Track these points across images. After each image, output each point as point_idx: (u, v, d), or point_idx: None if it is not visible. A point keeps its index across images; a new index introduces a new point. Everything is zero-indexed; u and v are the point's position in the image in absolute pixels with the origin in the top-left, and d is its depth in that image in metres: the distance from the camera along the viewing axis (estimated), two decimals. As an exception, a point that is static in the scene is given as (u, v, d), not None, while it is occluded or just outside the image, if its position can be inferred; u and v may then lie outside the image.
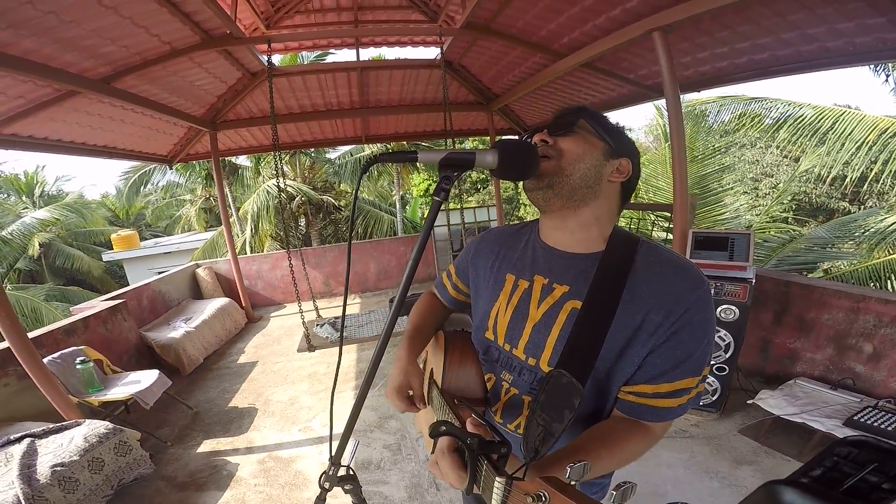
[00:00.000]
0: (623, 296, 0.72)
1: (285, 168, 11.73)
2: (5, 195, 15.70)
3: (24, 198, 15.48)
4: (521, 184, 0.80)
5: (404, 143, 8.20)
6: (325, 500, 0.88)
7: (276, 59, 7.10)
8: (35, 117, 3.28)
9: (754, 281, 2.56)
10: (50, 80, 2.83)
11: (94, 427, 2.52)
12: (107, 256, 12.60)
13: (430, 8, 4.28)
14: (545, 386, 0.63)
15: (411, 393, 0.87)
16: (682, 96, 5.70)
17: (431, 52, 4.37)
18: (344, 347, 4.69)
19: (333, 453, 0.85)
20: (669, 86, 2.82)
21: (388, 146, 8.30)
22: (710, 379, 2.70)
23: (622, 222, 5.40)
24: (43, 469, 2.18)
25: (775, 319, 3.04)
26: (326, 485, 0.86)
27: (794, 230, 7.24)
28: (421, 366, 1.11)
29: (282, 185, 5.34)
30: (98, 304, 4.12)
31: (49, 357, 2.93)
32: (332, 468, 0.85)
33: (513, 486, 0.49)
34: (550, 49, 3.86)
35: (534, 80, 4.45)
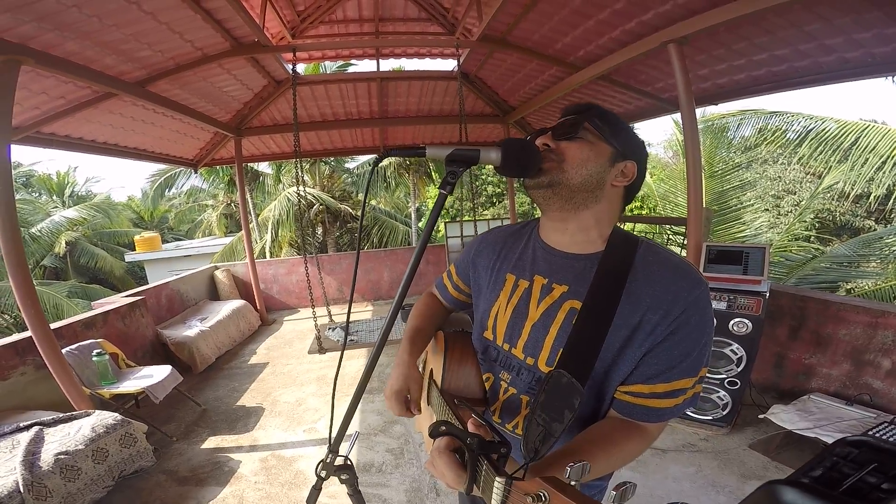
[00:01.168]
0: (622, 296, 0.72)
1: (305, 176, 11.99)
2: (38, 194, 16.36)
3: (54, 197, 16.12)
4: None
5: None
6: (320, 488, 0.89)
7: (300, 68, 7.36)
8: (73, 117, 3.47)
9: (768, 295, 2.53)
10: (90, 82, 3.00)
11: (103, 418, 2.55)
12: (129, 257, 13.01)
13: (448, 20, 4.40)
14: (545, 386, 0.64)
15: (409, 397, 0.89)
16: (699, 109, 5.70)
17: (449, 64, 4.48)
18: (353, 351, 4.73)
19: (332, 441, 0.86)
20: (684, 98, 2.83)
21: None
22: (721, 393, 2.65)
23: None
24: (47, 457, 2.21)
25: (791, 335, 2.97)
26: (323, 473, 0.87)
27: (816, 248, 7.07)
28: (421, 366, 1.12)
29: (301, 193, 5.45)
30: (118, 300, 4.23)
31: (67, 348, 3.01)
32: (330, 456, 0.86)
33: (513, 486, 0.49)
34: (566, 62, 3.92)
35: (550, 92, 4.51)
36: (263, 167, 12.64)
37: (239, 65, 3.99)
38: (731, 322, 2.58)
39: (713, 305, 2.51)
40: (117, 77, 3.21)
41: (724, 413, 2.67)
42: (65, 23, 2.42)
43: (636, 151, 0.81)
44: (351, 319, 5.91)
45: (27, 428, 2.42)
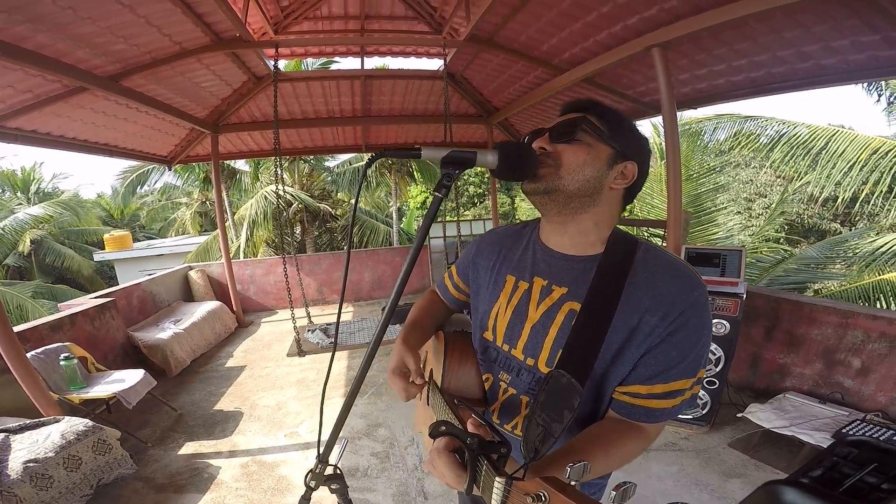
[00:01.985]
0: (621, 297, 0.72)
1: (284, 174, 11.75)
2: (1, 191, 15.56)
3: (18, 194, 15.35)
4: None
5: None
6: (309, 499, 0.87)
7: (282, 64, 7.21)
8: (41, 112, 3.30)
9: (745, 296, 2.60)
10: (60, 76, 2.86)
11: (73, 424, 2.46)
12: (98, 256, 12.49)
13: (434, 20, 4.38)
14: (545, 386, 0.64)
15: (413, 381, 0.86)
16: (678, 113, 5.83)
17: (435, 64, 4.46)
18: (336, 353, 4.67)
19: (321, 451, 0.84)
20: (667, 102, 2.89)
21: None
22: (701, 392, 2.72)
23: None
24: (15, 465, 2.12)
25: (766, 335, 3.08)
26: (312, 483, 0.84)
27: (785, 250, 7.35)
28: (421, 364, 1.13)
29: (279, 192, 5.33)
30: (87, 302, 4.06)
31: (32, 352, 2.87)
32: (320, 466, 0.84)
33: (512, 486, 0.49)
34: (551, 64, 3.95)
35: (534, 94, 4.54)
36: (241, 164, 12.34)
37: (218, 60, 3.88)
38: (710, 323, 2.65)
39: None
40: (89, 71, 3.07)
41: (704, 412, 2.74)
42: (37, 14, 2.30)
43: (637, 151, 0.79)
44: (331, 321, 5.82)
45: None
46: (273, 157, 5.04)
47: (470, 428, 0.60)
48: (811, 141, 5.35)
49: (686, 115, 6.63)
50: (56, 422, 2.47)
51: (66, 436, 2.35)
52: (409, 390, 0.85)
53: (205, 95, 4.54)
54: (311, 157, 11.79)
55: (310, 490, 0.85)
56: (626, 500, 0.48)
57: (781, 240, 9.34)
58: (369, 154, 8.23)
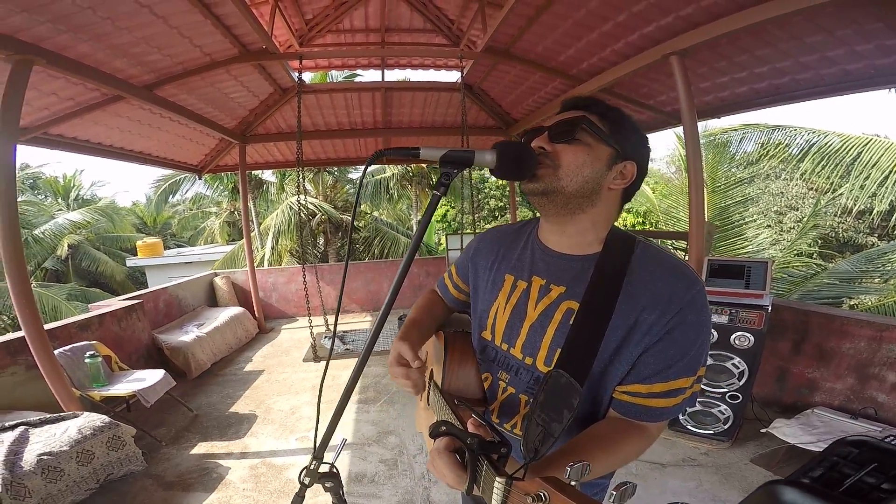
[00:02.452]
0: (619, 296, 0.72)
1: (308, 186, 12.05)
2: (43, 196, 16.48)
3: (59, 199, 16.23)
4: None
5: (424, 165, 8.39)
6: (303, 496, 0.86)
7: (308, 76, 7.46)
8: (81, 119, 3.52)
9: (770, 309, 2.50)
10: (100, 84, 3.04)
11: (91, 420, 2.51)
12: (130, 262, 13.03)
13: (452, 32, 4.47)
14: (544, 386, 0.63)
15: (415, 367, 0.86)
16: (701, 123, 5.73)
17: (453, 76, 4.55)
18: (349, 361, 4.67)
19: (316, 448, 0.84)
20: (686, 110, 2.86)
21: (409, 167, 8.49)
22: (723, 407, 2.62)
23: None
24: (29, 457, 2.17)
25: (794, 349, 2.95)
26: (306, 480, 0.84)
27: (818, 264, 7.03)
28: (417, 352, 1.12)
29: (302, 202, 5.47)
30: (115, 303, 4.23)
31: (60, 349, 2.98)
32: (315, 462, 0.84)
33: (513, 486, 0.49)
34: (569, 74, 3.96)
35: (552, 105, 4.56)
36: (267, 175, 12.73)
37: (246, 71, 4.04)
38: (733, 336, 2.56)
39: (714, 319, 2.52)
40: (126, 80, 3.25)
41: (726, 427, 2.64)
42: (79, 24, 2.45)
43: (637, 150, 0.79)
44: (348, 329, 5.88)
45: (12, 428, 2.38)
46: (299, 167, 5.20)
47: (470, 428, 0.60)
48: (844, 150, 5.15)
49: (711, 126, 6.50)
50: (75, 417, 2.55)
51: (82, 431, 2.40)
52: (411, 376, 0.84)
53: (233, 106, 4.73)
54: (335, 168, 12.06)
55: (304, 487, 0.85)
56: (626, 500, 0.47)
57: (815, 254, 8.96)
58: (390, 167, 8.37)
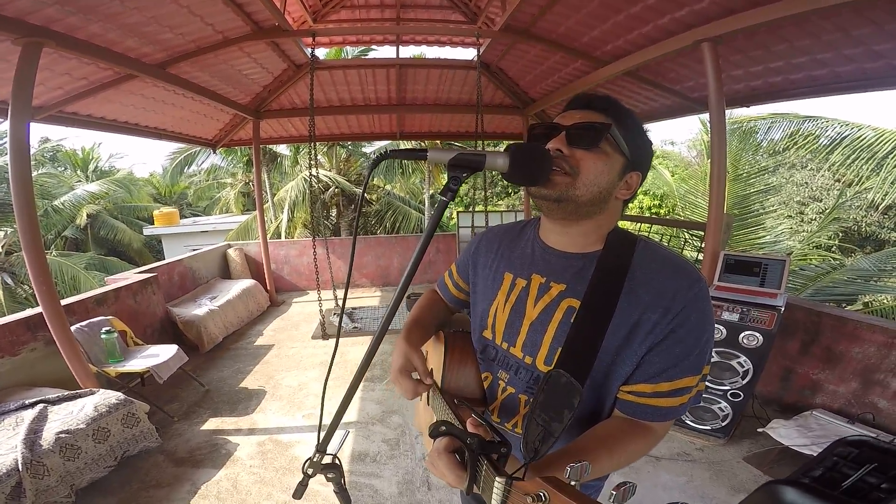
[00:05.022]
0: (621, 294, 0.71)
1: (322, 159, 12.01)
2: (63, 168, 16.73)
3: (78, 172, 16.47)
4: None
5: (437, 141, 8.25)
6: (307, 485, 0.89)
7: (322, 53, 7.29)
8: (94, 98, 3.50)
9: (783, 309, 2.44)
10: (112, 64, 3.01)
11: (106, 397, 2.56)
12: (147, 231, 13.31)
13: (470, 9, 4.28)
14: (544, 385, 0.63)
15: (416, 376, 0.86)
16: (729, 111, 5.48)
17: (470, 53, 4.38)
18: (357, 339, 4.73)
19: (320, 440, 0.86)
20: (715, 99, 2.73)
21: (422, 143, 8.37)
22: (723, 404, 2.62)
23: (649, 235, 5.25)
24: (48, 435, 2.20)
25: (802, 349, 2.91)
26: (310, 471, 0.87)
27: (836, 258, 6.84)
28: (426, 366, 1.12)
29: (317, 175, 5.45)
30: (131, 277, 4.28)
31: (77, 325, 3.04)
32: (317, 455, 0.86)
33: (513, 485, 0.49)
34: (592, 56, 3.79)
35: (573, 86, 4.39)
36: (282, 149, 12.68)
37: (259, 48, 3.96)
38: (742, 335, 2.52)
39: (725, 316, 2.47)
40: (139, 59, 3.21)
41: (724, 424, 2.65)
42: (88, 5, 2.41)
43: (645, 160, 0.79)
44: (357, 306, 5.94)
45: (32, 405, 2.44)
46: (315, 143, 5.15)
47: (469, 428, 0.60)
48: (877, 144, 4.90)
49: (737, 113, 6.23)
50: (91, 394, 2.60)
51: (98, 408, 2.45)
52: (417, 390, 0.84)
53: (247, 83, 4.66)
54: (349, 143, 11.95)
55: (307, 477, 0.88)
56: (626, 501, 0.47)
57: (834, 248, 8.71)
58: (404, 142, 8.27)
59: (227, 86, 4.47)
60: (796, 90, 3.30)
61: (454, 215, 8.97)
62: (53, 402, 2.51)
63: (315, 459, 0.87)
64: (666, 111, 4.70)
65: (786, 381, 2.99)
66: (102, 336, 3.07)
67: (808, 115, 5.51)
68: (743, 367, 2.53)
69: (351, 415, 3.13)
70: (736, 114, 6.28)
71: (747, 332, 2.50)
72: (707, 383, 2.61)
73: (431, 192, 13.74)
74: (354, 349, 4.39)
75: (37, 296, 2.60)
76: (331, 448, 0.90)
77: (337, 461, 0.91)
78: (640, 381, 0.73)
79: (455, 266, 1.05)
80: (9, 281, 8.95)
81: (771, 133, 5.89)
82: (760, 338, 2.48)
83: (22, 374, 2.79)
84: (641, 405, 0.73)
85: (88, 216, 13.19)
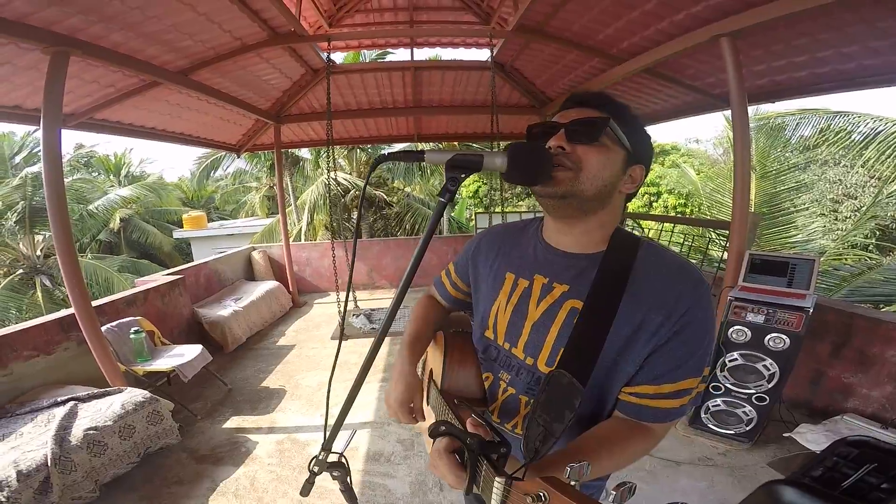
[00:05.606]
0: (623, 296, 0.71)
1: (342, 162, 12.20)
2: (97, 173, 17.52)
3: (111, 176, 17.22)
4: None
5: (455, 143, 8.26)
6: (313, 483, 0.90)
7: (340, 56, 7.41)
8: (122, 104, 3.66)
9: (812, 310, 2.34)
10: (136, 71, 3.14)
11: (133, 395, 2.62)
12: (177, 234, 13.81)
13: (483, 10, 4.28)
14: (546, 386, 0.63)
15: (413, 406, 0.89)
16: (753, 107, 5.28)
17: (484, 54, 4.36)
18: (372, 340, 4.81)
19: (326, 439, 0.87)
20: (736, 95, 2.67)
21: (440, 145, 8.40)
22: (748, 408, 2.53)
23: (677, 238, 5.11)
24: (77, 432, 2.26)
25: (833, 352, 2.78)
26: (315, 469, 0.88)
27: (873, 258, 6.50)
28: (420, 367, 1.12)
29: (337, 179, 5.54)
30: (159, 279, 4.44)
31: (108, 325, 3.16)
32: (323, 454, 0.87)
33: (512, 486, 0.49)
34: (608, 53, 3.73)
35: (591, 84, 4.32)
36: (304, 153, 12.95)
37: (276, 54, 4.05)
38: (768, 337, 2.43)
39: (749, 318, 2.39)
40: (162, 67, 3.33)
41: (748, 428, 2.57)
42: (108, 15, 2.51)
43: (646, 153, 0.79)
44: (376, 307, 6.00)
45: (63, 403, 2.52)
46: (334, 146, 5.24)
47: (469, 428, 0.60)
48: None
49: (765, 109, 6.02)
50: (119, 392, 2.68)
51: (125, 406, 2.52)
52: (413, 422, 0.89)
53: (267, 88, 4.79)
54: (369, 146, 12.11)
55: (313, 475, 0.89)
56: (626, 501, 0.47)
57: (871, 247, 8.28)
58: (422, 144, 8.33)
59: (247, 91, 4.60)
60: (823, 85, 3.17)
61: (473, 217, 8.98)
62: (84, 400, 2.59)
63: (321, 458, 0.88)
64: (687, 108, 4.58)
65: (815, 384, 2.88)
66: (131, 336, 3.20)
67: (839, 110, 5.27)
68: (769, 370, 2.44)
69: (367, 414, 3.17)
70: (762, 109, 6.07)
71: (773, 335, 2.41)
72: (731, 386, 2.56)
73: (450, 193, 13.77)
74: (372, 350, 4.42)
75: (70, 297, 2.72)
76: (339, 447, 0.91)
77: (343, 460, 0.92)
78: (642, 383, 0.73)
79: (453, 266, 1.05)
80: (47, 283, 9.43)
81: (800, 129, 5.67)
82: (787, 340, 2.38)
83: (56, 372, 2.90)
84: (643, 406, 0.73)
85: (121, 220, 13.78)
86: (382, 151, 13.07)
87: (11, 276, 9.44)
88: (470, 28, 4.48)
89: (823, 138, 5.54)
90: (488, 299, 0.90)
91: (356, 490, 2.35)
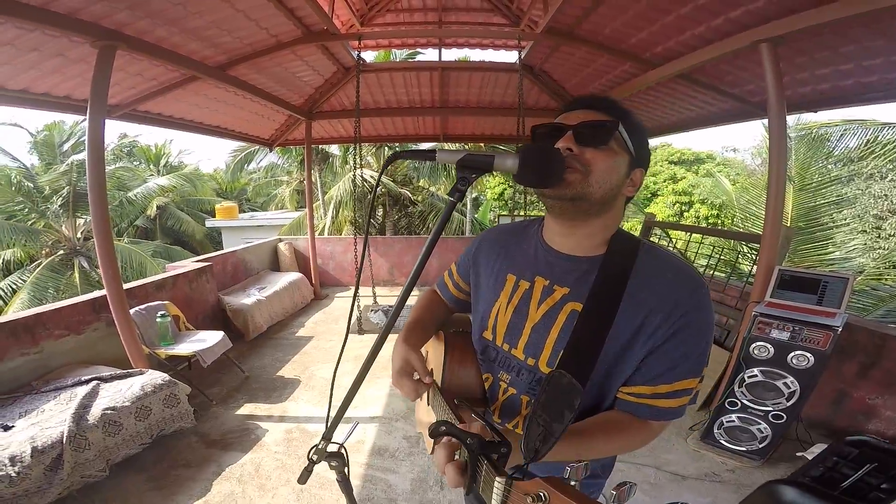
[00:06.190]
0: (623, 298, 0.72)
1: (370, 159, 12.36)
2: (138, 162, 18.33)
3: (151, 165, 17.98)
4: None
5: (481, 144, 8.25)
6: (311, 471, 0.92)
7: (372, 55, 7.51)
8: (164, 97, 3.82)
9: (841, 329, 2.23)
10: (177, 66, 3.27)
11: (153, 377, 2.68)
12: (209, 223, 14.31)
13: (512, 11, 4.26)
14: (546, 386, 0.63)
15: (416, 377, 0.86)
16: (796, 116, 5.06)
17: (513, 56, 4.34)
18: (392, 335, 4.86)
19: (326, 429, 0.88)
20: (775, 103, 2.57)
21: (466, 145, 8.41)
22: (763, 426, 2.47)
23: (706, 250, 4.95)
24: (95, 411, 2.29)
25: (860, 372, 2.66)
26: (314, 458, 0.90)
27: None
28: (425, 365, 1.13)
29: (364, 176, 5.62)
30: (188, 265, 4.60)
31: (136, 308, 3.27)
32: (323, 443, 0.89)
33: (513, 485, 0.49)
34: (641, 58, 3.65)
35: (623, 88, 4.24)
36: (333, 149, 13.18)
37: (310, 51, 4.15)
38: (791, 354, 2.34)
39: (774, 335, 2.31)
40: (201, 61, 3.47)
41: (761, 446, 2.51)
42: (153, 10, 2.64)
43: (647, 157, 0.80)
44: (393, 304, 6.06)
45: (87, 382, 2.58)
46: (361, 143, 5.31)
47: (469, 428, 0.61)
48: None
49: (806, 118, 5.77)
50: (141, 374, 2.74)
51: (144, 388, 2.57)
52: (419, 390, 0.85)
53: (300, 84, 4.91)
54: (396, 144, 12.24)
55: (312, 463, 0.91)
56: (626, 501, 0.47)
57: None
58: (448, 144, 8.34)
59: (281, 87, 4.73)
60: (870, 94, 3.01)
61: (497, 219, 8.95)
62: (106, 380, 2.66)
63: (321, 447, 0.90)
64: (724, 116, 4.43)
65: (838, 404, 2.77)
66: (157, 319, 3.31)
67: (888, 121, 4.99)
68: (789, 388, 2.37)
69: (376, 409, 3.20)
70: (804, 119, 5.81)
71: (798, 352, 2.33)
72: (748, 402, 2.50)
73: (475, 194, 13.77)
74: (388, 345, 4.44)
75: (103, 279, 2.85)
76: (340, 438, 0.93)
77: (343, 451, 0.94)
78: (639, 383, 0.75)
79: (455, 266, 1.06)
80: (84, 264, 9.93)
81: (844, 140, 5.40)
82: (812, 358, 2.30)
83: (84, 352, 3.01)
84: (641, 405, 0.75)
85: (158, 207, 14.39)
86: (403, 149, 13.25)
87: (52, 257, 9.98)
88: (499, 30, 4.47)
89: (869, 150, 5.26)
90: (488, 300, 0.90)
91: (358, 483, 2.39)
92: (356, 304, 0.89)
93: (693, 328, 0.71)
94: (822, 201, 5.94)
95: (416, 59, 8.78)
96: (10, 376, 2.60)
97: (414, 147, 13.17)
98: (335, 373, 0.91)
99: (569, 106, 0.80)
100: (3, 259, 9.98)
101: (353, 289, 6.41)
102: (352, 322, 5.08)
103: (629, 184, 0.78)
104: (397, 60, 8.37)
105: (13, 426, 2.20)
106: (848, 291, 2.31)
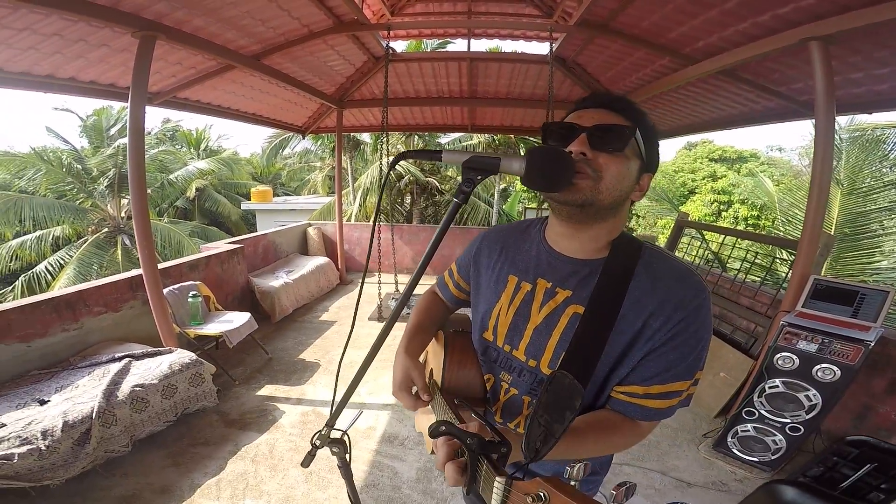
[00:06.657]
0: (625, 302, 0.72)
1: (400, 147, 12.42)
2: (180, 146, 19.08)
3: (192, 149, 18.68)
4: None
5: (511, 136, 8.14)
6: (314, 455, 0.95)
7: (403, 45, 7.49)
8: (202, 85, 3.96)
9: (873, 344, 2.11)
10: (214, 55, 3.37)
11: (181, 356, 2.73)
12: (244, 206, 14.81)
13: (545, 2, 4.14)
14: (548, 386, 0.63)
15: (416, 390, 0.89)
16: (849, 117, 4.75)
17: (546, 48, 4.21)
18: (397, 324, 4.89)
19: (331, 414, 0.91)
20: (823, 103, 2.44)
21: (494, 137, 8.31)
22: (778, 437, 2.39)
23: (739, 253, 4.74)
24: (125, 387, 2.35)
25: (889, 388, 2.52)
26: (317, 443, 0.92)
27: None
28: (426, 380, 1.14)
29: (388, 163, 5.67)
30: (221, 246, 4.76)
31: (170, 287, 3.38)
32: (327, 429, 0.91)
33: (513, 485, 0.50)
34: (681, 53, 3.49)
35: (661, 83, 4.07)
36: (364, 137, 13.30)
37: (341, 41, 4.19)
38: (817, 367, 2.24)
39: (801, 346, 2.23)
40: (236, 51, 3.56)
41: (773, 457, 2.43)
42: (191, 1, 2.72)
43: (656, 163, 0.79)
44: (415, 292, 6.12)
45: (119, 359, 2.65)
46: (391, 132, 5.35)
47: (469, 428, 0.62)
48: None
49: (860, 119, 5.39)
50: (170, 352, 2.81)
51: (172, 366, 2.62)
52: (417, 405, 0.88)
53: (331, 73, 4.97)
54: (425, 133, 12.22)
55: (314, 448, 0.94)
56: (626, 501, 0.48)
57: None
58: (476, 135, 8.26)
59: (314, 76, 4.80)
60: (932, 96, 2.79)
61: (524, 211, 8.86)
62: (138, 358, 2.73)
63: (324, 433, 0.92)
64: (769, 115, 4.20)
65: (861, 419, 2.64)
66: (189, 299, 3.43)
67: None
68: (810, 400, 2.28)
69: (389, 397, 3.25)
70: (857, 120, 5.43)
71: (824, 365, 2.24)
72: (766, 414, 2.43)
73: (503, 185, 13.62)
74: (398, 332, 4.50)
75: (140, 259, 2.98)
76: (344, 425, 0.95)
77: (346, 438, 0.96)
78: (633, 383, 0.75)
79: (456, 265, 1.05)
80: (127, 242, 10.49)
81: (902, 144, 5.03)
82: (838, 372, 2.20)
83: (119, 329, 3.15)
84: (632, 405, 0.76)
85: (197, 189, 14.99)
86: (439, 139, 13.21)
87: (98, 234, 10.59)
88: (530, 21, 4.37)
89: (929, 156, 4.88)
90: (489, 301, 0.90)
91: (366, 468, 2.45)
92: (359, 291, 0.91)
93: (691, 332, 0.71)
94: (873, 207, 5.57)
95: (446, 49, 8.70)
96: (50, 350, 2.72)
97: (443, 137, 13.14)
98: (341, 360, 0.94)
99: (582, 103, 0.77)
100: (53, 236, 10.65)
101: (377, 275, 6.53)
102: (376, 308, 5.19)
103: (637, 189, 0.77)
104: (428, 51, 8.31)
105: (48, 400, 2.28)
106: (887, 305, 2.18)
